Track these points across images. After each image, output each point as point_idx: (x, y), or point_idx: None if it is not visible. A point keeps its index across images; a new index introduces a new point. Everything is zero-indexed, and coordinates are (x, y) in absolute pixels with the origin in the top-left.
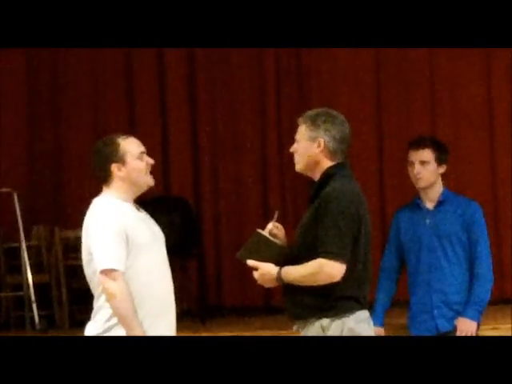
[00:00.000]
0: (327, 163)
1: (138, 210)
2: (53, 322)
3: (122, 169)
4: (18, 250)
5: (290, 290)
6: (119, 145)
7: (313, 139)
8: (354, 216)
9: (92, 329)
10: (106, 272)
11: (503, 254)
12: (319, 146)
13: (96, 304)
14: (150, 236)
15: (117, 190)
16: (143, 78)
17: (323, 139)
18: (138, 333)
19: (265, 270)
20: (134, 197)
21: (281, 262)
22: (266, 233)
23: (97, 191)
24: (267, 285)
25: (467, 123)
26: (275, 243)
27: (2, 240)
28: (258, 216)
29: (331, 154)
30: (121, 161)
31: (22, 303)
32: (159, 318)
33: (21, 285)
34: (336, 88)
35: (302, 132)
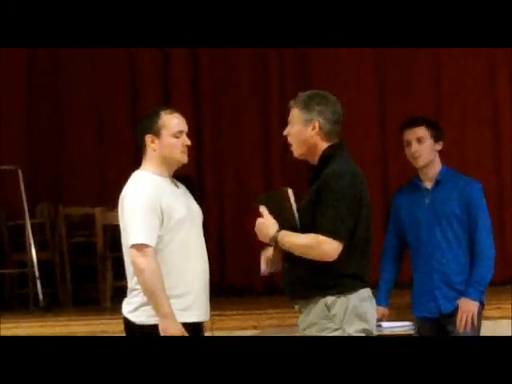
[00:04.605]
0: (323, 145)
1: (176, 185)
2: (56, 300)
3: (156, 141)
4: (23, 227)
5: (290, 268)
6: (160, 117)
7: (307, 122)
8: (354, 196)
9: (127, 306)
10: (137, 247)
11: (506, 238)
12: (314, 128)
13: (132, 280)
14: (185, 212)
15: (152, 164)
16: (147, 77)
17: (318, 121)
18: (164, 310)
19: (267, 223)
20: (169, 172)
21: (285, 227)
22: (291, 196)
23: (100, 169)
24: (260, 237)
25: (472, 116)
26: (292, 209)
27: (6, 218)
28: None
29: (327, 135)
30: (156, 133)
31: (26, 280)
32: (201, 294)
33: (25, 262)
34: (339, 89)
35: (296, 115)
